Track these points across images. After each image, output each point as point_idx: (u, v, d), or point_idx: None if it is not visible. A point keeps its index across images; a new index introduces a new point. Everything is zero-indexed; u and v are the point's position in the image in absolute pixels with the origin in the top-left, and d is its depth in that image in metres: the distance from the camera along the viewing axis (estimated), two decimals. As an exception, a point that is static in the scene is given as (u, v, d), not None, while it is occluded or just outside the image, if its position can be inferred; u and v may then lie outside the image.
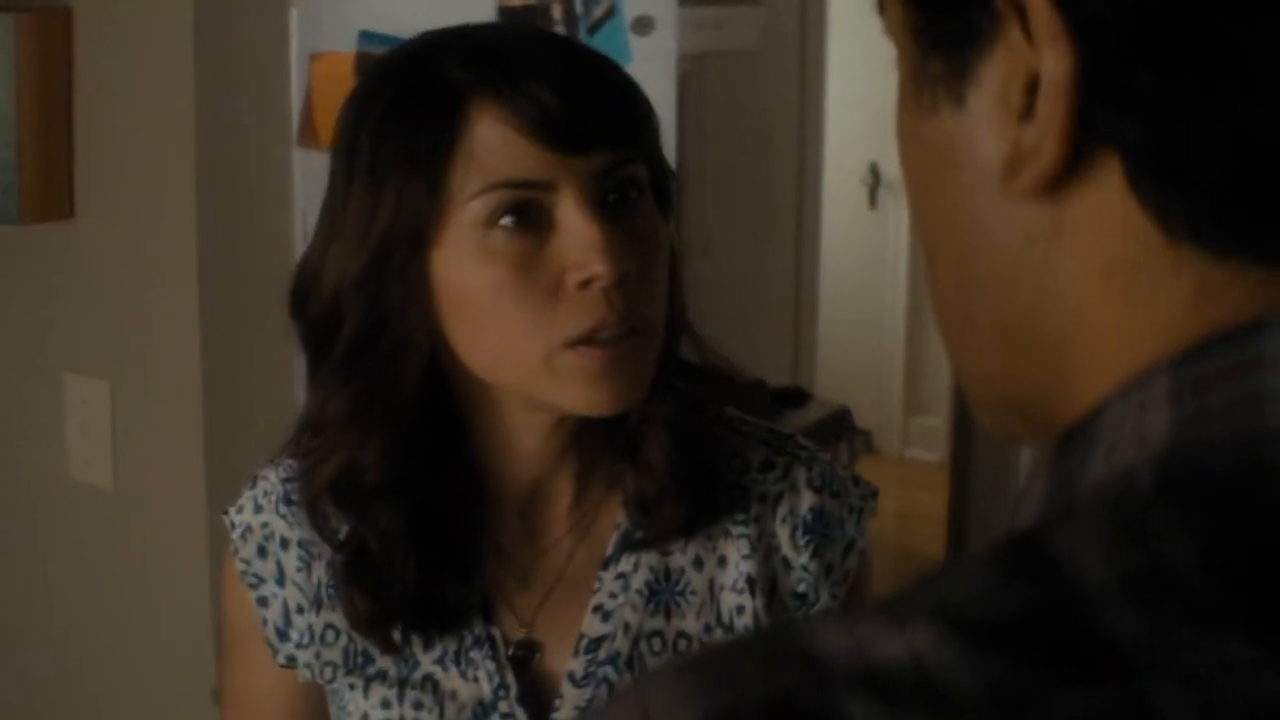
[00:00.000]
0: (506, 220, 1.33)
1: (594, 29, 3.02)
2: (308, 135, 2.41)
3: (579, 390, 1.35)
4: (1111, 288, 0.63)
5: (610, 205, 1.36)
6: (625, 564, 1.49)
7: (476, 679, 1.47)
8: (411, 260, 1.35)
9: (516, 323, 1.34)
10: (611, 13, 3.06)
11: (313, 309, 1.41)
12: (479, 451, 1.47)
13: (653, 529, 1.47)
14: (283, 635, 1.53)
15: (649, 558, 1.49)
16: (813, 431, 4.37)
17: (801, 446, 1.55)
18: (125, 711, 2.58)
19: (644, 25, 3.14)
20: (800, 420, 4.41)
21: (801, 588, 1.50)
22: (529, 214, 1.34)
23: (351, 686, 1.50)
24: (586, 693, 1.47)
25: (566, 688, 1.47)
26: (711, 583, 1.49)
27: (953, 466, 5.02)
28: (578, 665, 1.47)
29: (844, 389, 5.71)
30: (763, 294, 5.15)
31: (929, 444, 6.95)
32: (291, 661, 1.53)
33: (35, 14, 2.38)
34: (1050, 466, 0.65)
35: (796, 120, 5.17)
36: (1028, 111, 0.62)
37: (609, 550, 1.50)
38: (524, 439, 1.46)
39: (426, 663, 1.48)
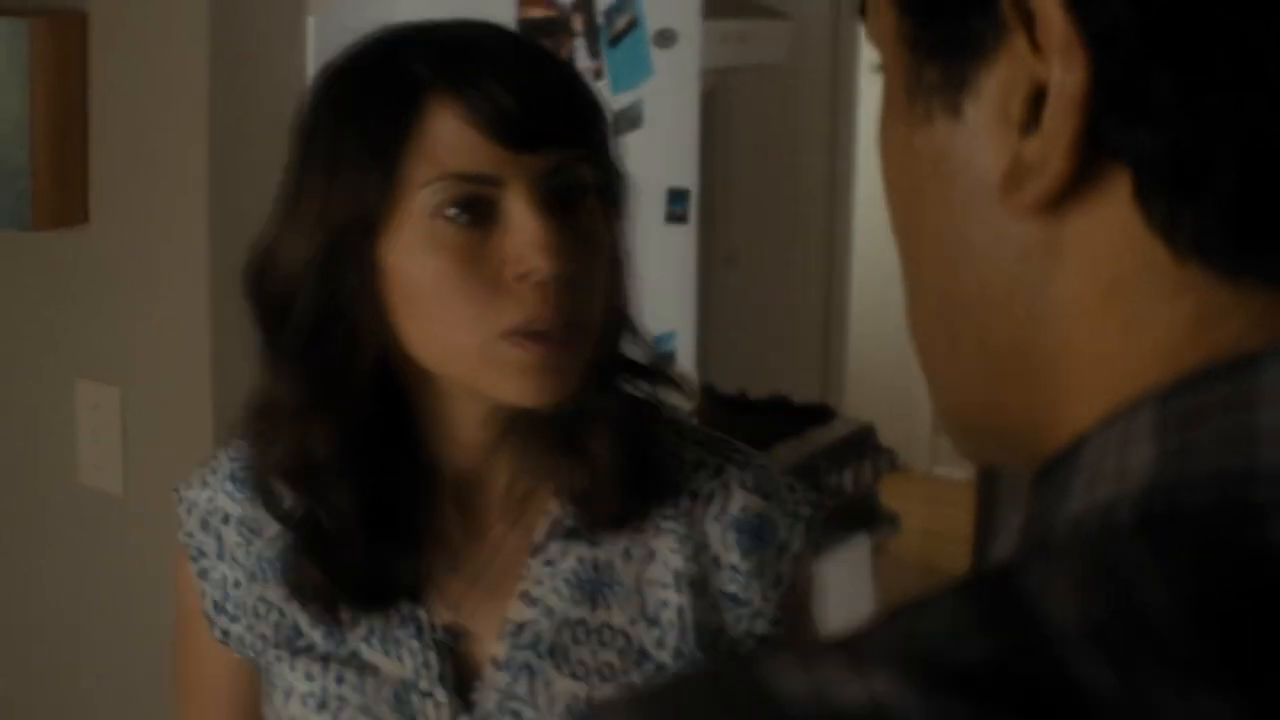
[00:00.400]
0: (454, 211, 1.37)
1: (615, 41, 3.01)
2: (323, 144, 2.40)
3: (513, 381, 1.39)
4: (1110, 309, 0.61)
5: (556, 203, 1.39)
6: (554, 552, 1.52)
7: (401, 658, 1.50)
8: (363, 246, 1.39)
9: (458, 311, 1.38)
10: (633, 25, 3.05)
11: (267, 289, 1.46)
12: (420, 438, 1.50)
13: (588, 520, 1.51)
14: (220, 609, 1.58)
15: (578, 548, 1.52)
16: (836, 449, 4.35)
17: (738, 450, 1.58)
18: (133, 717, 2.57)
19: (667, 38, 3.13)
20: (824, 437, 4.38)
21: (732, 588, 1.53)
22: (477, 207, 1.38)
23: (279, 659, 1.54)
24: (508, 677, 1.50)
25: (489, 671, 1.50)
26: (639, 576, 1.52)
27: (980, 484, 4.99)
28: (501, 650, 1.50)
29: (873, 405, 5.69)
30: (792, 309, 5.13)
31: (957, 461, 6.91)
32: (226, 636, 1.58)
33: (50, 18, 2.37)
34: (1029, 498, 0.62)
35: (828, 134, 5.16)
36: (1030, 124, 0.60)
37: (539, 539, 1.52)
38: (462, 428, 1.49)
39: (354, 640, 1.51)
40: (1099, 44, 0.58)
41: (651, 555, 1.52)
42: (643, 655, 1.50)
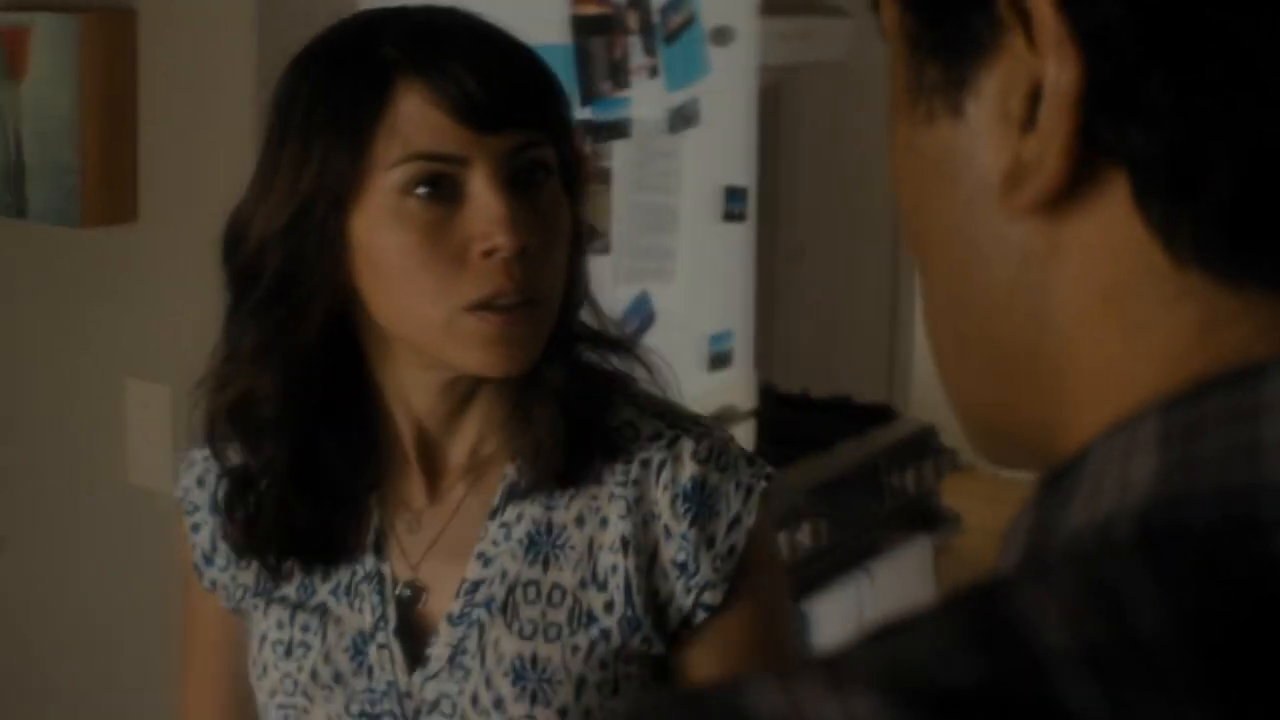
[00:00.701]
0: (421, 189, 1.45)
1: (671, 39, 2.99)
2: (372, 142, 2.40)
3: (475, 352, 1.47)
4: (1110, 315, 0.59)
5: (518, 183, 1.48)
6: (509, 515, 1.59)
7: (362, 610, 1.59)
8: (330, 219, 1.47)
9: (423, 285, 1.46)
10: (689, 22, 3.03)
11: (240, 257, 1.53)
12: (380, 405, 1.58)
13: (532, 476, 1.57)
14: (209, 560, 1.67)
15: (532, 510, 1.58)
16: (898, 449, 4.33)
17: (697, 423, 1.63)
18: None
19: (723, 36, 3.12)
20: (885, 437, 4.37)
21: (681, 556, 1.56)
22: (442, 185, 1.46)
23: (256, 607, 1.64)
24: (460, 632, 1.57)
25: (443, 626, 1.58)
26: (591, 541, 1.58)
27: (1044, 485, 4.95)
28: (456, 606, 1.58)
29: (939, 404, 5.67)
30: (855, 308, 5.13)
31: (1023, 461, 6.88)
32: (214, 585, 1.68)
33: (99, 15, 2.38)
34: (1034, 507, 0.60)
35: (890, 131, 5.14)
36: (1029, 123, 0.59)
37: (496, 502, 1.60)
38: (420, 396, 1.57)
39: (323, 592, 1.61)
40: (1091, 43, 0.57)
41: (603, 522, 1.57)
42: (590, 618, 1.56)
